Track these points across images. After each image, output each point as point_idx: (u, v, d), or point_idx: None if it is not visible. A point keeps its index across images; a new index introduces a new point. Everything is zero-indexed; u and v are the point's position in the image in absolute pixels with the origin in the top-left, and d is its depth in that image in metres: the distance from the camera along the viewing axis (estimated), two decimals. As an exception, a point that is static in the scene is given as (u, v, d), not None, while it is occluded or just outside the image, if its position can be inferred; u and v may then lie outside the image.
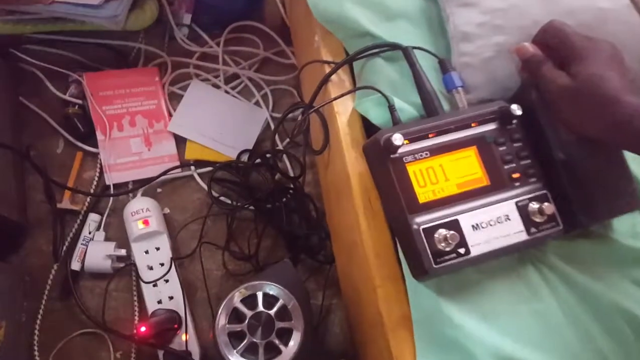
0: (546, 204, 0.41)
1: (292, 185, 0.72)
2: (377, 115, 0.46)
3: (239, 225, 0.72)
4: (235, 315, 0.49)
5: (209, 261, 0.70)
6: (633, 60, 0.47)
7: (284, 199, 0.71)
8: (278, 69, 0.81)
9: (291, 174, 0.74)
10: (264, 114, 0.78)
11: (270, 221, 0.71)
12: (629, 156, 0.44)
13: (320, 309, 0.66)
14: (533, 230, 0.42)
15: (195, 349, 0.63)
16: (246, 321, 0.48)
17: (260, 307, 0.49)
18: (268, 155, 0.74)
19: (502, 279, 0.43)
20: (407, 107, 0.46)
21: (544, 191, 0.43)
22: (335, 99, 0.48)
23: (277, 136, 0.75)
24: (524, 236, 0.41)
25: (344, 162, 0.48)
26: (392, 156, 0.41)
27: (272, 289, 0.50)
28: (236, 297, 0.49)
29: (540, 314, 0.42)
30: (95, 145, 0.72)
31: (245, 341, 0.48)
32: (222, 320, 0.48)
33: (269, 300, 0.50)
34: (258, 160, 0.73)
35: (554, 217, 0.42)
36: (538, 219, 0.42)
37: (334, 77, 0.50)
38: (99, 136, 0.72)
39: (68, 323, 0.64)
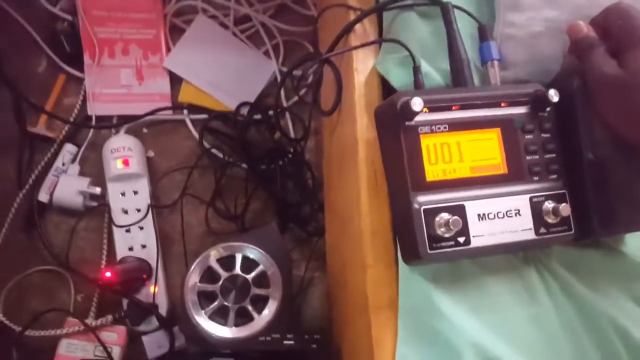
0: (563, 204, 0.39)
1: (291, 149, 0.69)
2: (399, 77, 0.42)
3: (228, 183, 0.69)
4: (209, 275, 0.46)
5: (191, 215, 0.67)
6: None
7: (281, 162, 0.68)
8: (295, 19, 0.76)
9: (292, 136, 0.71)
10: (272, 66, 0.73)
11: (262, 183, 0.68)
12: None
13: (301, 280, 0.64)
14: (542, 230, 0.39)
15: (163, 303, 0.61)
16: (220, 282, 0.46)
17: (238, 270, 0.47)
18: (270, 112, 0.70)
19: (503, 277, 0.41)
20: (434, 72, 0.42)
21: (563, 191, 0.40)
22: (355, 47, 0.44)
23: (282, 91, 0.71)
24: (531, 235, 0.39)
25: (354, 127, 0.44)
26: (406, 123, 0.37)
27: (253, 252, 0.47)
28: (212, 256, 0.46)
29: (537, 320, 0.40)
30: (82, 70, 0.67)
31: (215, 303, 0.45)
32: (193, 277, 0.46)
33: (248, 264, 0.47)
34: (258, 116, 0.70)
35: (568, 221, 0.40)
36: (550, 219, 0.39)
37: (358, 27, 0.46)
38: (87, 60, 0.67)
39: (28, 257, 0.61)
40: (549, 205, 0.39)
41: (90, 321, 0.57)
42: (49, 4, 0.68)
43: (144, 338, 0.60)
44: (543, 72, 0.43)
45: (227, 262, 0.47)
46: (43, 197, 0.62)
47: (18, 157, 0.62)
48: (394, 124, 0.38)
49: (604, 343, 0.40)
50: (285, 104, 0.71)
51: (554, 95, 0.39)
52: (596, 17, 0.40)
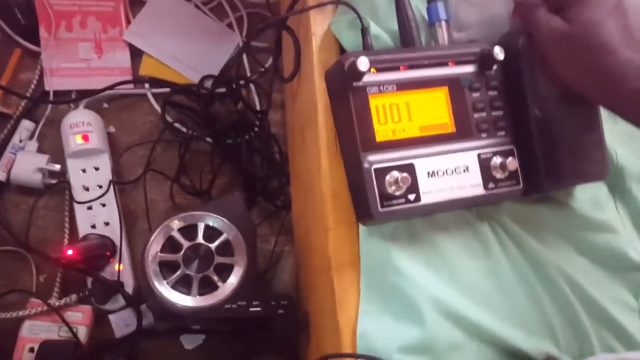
0: (510, 158, 0.41)
1: (257, 122, 0.69)
2: (350, 39, 0.43)
3: (193, 158, 0.69)
4: (170, 245, 0.47)
5: (155, 191, 0.67)
6: None
7: (247, 137, 0.68)
8: (259, -9, 0.76)
9: (258, 106, 0.71)
10: (235, 38, 0.73)
11: (228, 157, 0.68)
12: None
13: (271, 254, 0.65)
14: (491, 185, 0.41)
15: (129, 281, 0.61)
16: (182, 252, 0.46)
17: (200, 239, 0.47)
18: (235, 86, 0.70)
19: (457, 233, 0.43)
20: (384, 35, 0.43)
21: (511, 147, 0.42)
22: (309, 8, 0.44)
23: (246, 63, 0.71)
24: (480, 190, 0.41)
25: (313, 92, 0.45)
26: (355, 84, 0.38)
27: (216, 221, 0.48)
28: (173, 225, 0.47)
29: (492, 272, 0.42)
30: (37, 44, 0.66)
31: (178, 272, 0.46)
32: (154, 247, 0.46)
33: (211, 233, 0.48)
34: (222, 89, 0.69)
35: (516, 175, 0.42)
36: (499, 174, 0.41)
37: (316, -8, 0.46)
38: (43, 33, 0.66)
39: (-14, 237, 0.60)
40: (496, 160, 0.41)
41: (53, 301, 0.57)
42: (-2, -26, 0.66)
43: (111, 317, 0.60)
44: (496, 33, 0.44)
45: (189, 231, 0.47)
46: (0, 175, 0.61)
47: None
48: (343, 85, 0.39)
49: (555, 291, 0.43)
50: (249, 76, 0.71)
51: (499, 53, 0.40)
52: None
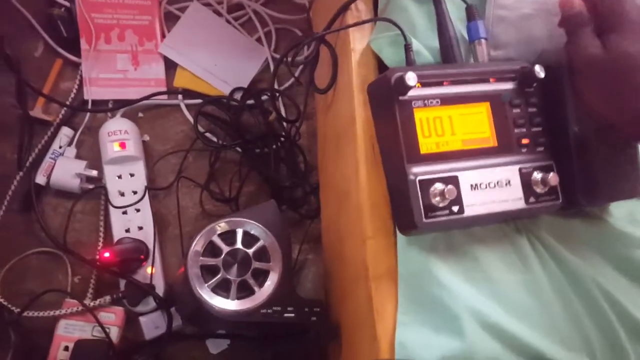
0: (551, 174, 0.41)
1: (283, 133, 0.71)
2: (391, 55, 0.44)
3: (222, 167, 0.70)
4: (211, 250, 0.48)
5: (186, 198, 0.68)
6: None
7: (274, 146, 0.70)
8: (287, 8, 0.77)
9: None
10: (264, 52, 0.75)
11: (256, 166, 0.70)
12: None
13: (295, 262, 0.66)
14: (532, 200, 0.41)
15: (159, 284, 0.62)
16: (222, 256, 0.47)
17: (239, 245, 0.48)
18: (264, 97, 0.72)
19: (496, 246, 0.43)
20: (425, 52, 0.44)
21: (550, 162, 0.43)
22: (351, 26, 0.46)
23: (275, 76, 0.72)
24: (521, 204, 0.41)
25: (351, 104, 0.46)
26: (400, 98, 0.39)
27: (254, 228, 0.49)
28: (214, 231, 0.48)
29: (531, 286, 0.42)
30: (78, 55, 0.68)
31: (218, 276, 0.47)
32: (196, 251, 0.47)
33: (249, 240, 0.49)
34: (251, 101, 0.71)
35: (555, 190, 0.42)
36: (539, 189, 0.42)
37: (354, 11, 0.48)
38: (83, 45, 0.68)
39: (25, 239, 0.62)
40: (537, 175, 0.41)
41: (88, 302, 0.58)
42: (44, -12, 0.68)
43: (141, 319, 0.61)
44: (533, 52, 0.45)
45: (228, 237, 0.48)
46: (40, 179, 0.63)
47: (19, 140, 0.63)
48: (389, 98, 0.39)
49: (593, 306, 0.42)
50: (279, 88, 0.73)
51: (540, 72, 0.41)
52: None
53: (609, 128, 0.40)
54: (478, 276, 0.41)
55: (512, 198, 0.41)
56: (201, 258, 0.47)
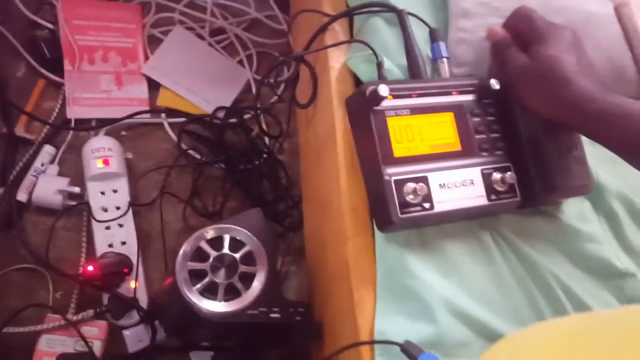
0: (509, 173, 0.47)
1: (265, 150, 0.75)
2: (365, 72, 0.50)
3: (205, 183, 0.73)
4: (198, 255, 0.50)
5: (169, 213, 0.70)
6: (605, 61, 0.54)
7: (257, 162, 0.73)
8: (267, 32, 0.83)
9: (266, 139, 0.76)
10: (245, 74, 0.80)
11: (239, 182, 0.73)
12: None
13: (277, 274, 0.68)
14: (493, 197, 0.47)
15: (143, 298, 0.63)
16: (209, 261, 0.50)
17: (226, 250, 0.51)
18: (246, 116, 0.76)
19: (463, 241, 0.48)
20: (395, 69, 0.50)
21: (508, 164, 0.48)
22: (329, 46, 0.51)
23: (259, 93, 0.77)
24: (484, 201, 0.46)
25: (331, 117, 0.51)
26: (375, 108, 0.44)
27: (240, 234, 0.52)
28: (202, 237, 0.51)
29: (494, 277, 0.47)
30: (61, 76, 0.71)
31: (206, 280, 0.49)
32: (184, 256, 0.49)
33: (235, 245, 0.52)
34: (233, 120, 0.75)
35: (514, 188, 0.47)
36: (499, 187, 0.47)
37: (332, 32, 0.53)
38: (67, 66, 0.71)
39: (5, 256, 0.62)
40: (497, 175, 0.47)
41: (70, 317, 0.59)
42: (28, 11, 0.71)
43: (125, 332, 0.61)
44: (488, 69, 0.51)
45: (215, 242, 0.51)
46: (22, 196, 0.64)
47: (3, 156, 0.64)
48: (364, 108, 0.44)
49: (550, 293, 0.48)
50: (261, 106, 0.77)
51: (495, 84, 0.47)
52: (507, 20, 0.48)
53: (552, 125, 0.46)
54: (447, 268, 0.46)
55: (476, 195, 0.46)
56: (189, 263, 0.49)
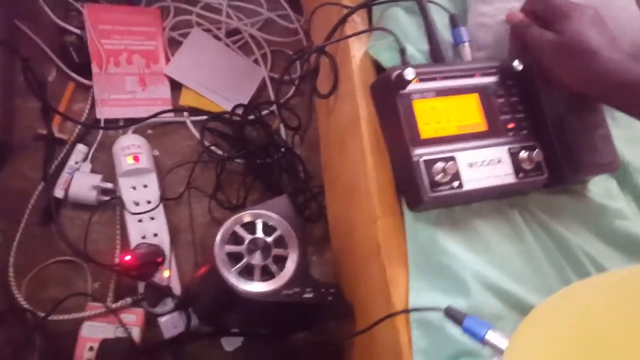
0: (536, 151, 0.48)
1: (283, 144, 0.78)
2: (388, 59, 0.52)
3: (228, 177, 0.77)
4: (234, 239, 0.54)
5: (195, 207, 0.74)
6: (626, 41, 0.56)
7: (276, 156, 0.77)
8: (280, 32, 0.87)
9: (283, 133, 0.80)
10: (261, 72, 0.83)
11: (259, 176, 0.76)
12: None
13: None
14: (521, 175, 0.48)
15: (176, 287, 0.67)
16: (245, 244, 0.54)
17: (260, 234, 0.54)
18: (264, 112, 0.80)
19: (492, 219, 0.49)
20: (417, 54, 0.52)
21: (534, 142, 0.50)
22: (350, 36, 0.54)
23: (271, 91, 0.81)
24: (512, 179, 0.48)
25: (354, 104, 0.53)
26: (401, 92, 0.46)
27: (271, 219, 0.56)
28: (238, 221, 0.54)
29: (525, 253, 0.48)
30: (89, 78, 0.75)
31: (243, 262, 0.53)
32: (222, 240, 0.53)
33: (267, 229, 0.55)
34: (252, 117, 0.79)
35: (540, 166, 0.49)
36: (527, 165, 0.48)
37: (351, 23, 0.57)
38: (94, 69, 0.75)
39: (46, 249, 0.66)
40: (524, 154, 0.48)
41: (109, 304, 0.62)
42: (57, 18, 0.75)
43: (160, 319, 0.65)
44: (509, 52, 0.52)
45: (249, 227, 0.55)
46: (58, 193, 0.67)
47: (45, 156, 0.68)
48: (390, 93, 0.47)
49: (581, 270, 0.49)
50: (279, 101, 0.81)
51: (517, 65, 0.48)
52: (524, 4, 0.50)
53: (577, 104, 0.48)
54: (478, 246, 0.47)
55: (504, 173, 0.47)
56: (227, 246, 0.53)
